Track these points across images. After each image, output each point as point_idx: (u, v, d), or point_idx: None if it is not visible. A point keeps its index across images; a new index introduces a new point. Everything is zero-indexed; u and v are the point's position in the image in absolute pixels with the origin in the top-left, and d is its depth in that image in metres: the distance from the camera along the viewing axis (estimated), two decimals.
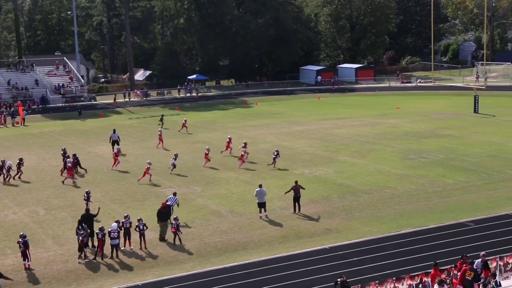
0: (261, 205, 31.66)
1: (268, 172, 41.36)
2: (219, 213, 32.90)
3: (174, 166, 41.52)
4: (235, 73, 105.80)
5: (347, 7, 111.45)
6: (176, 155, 42.16)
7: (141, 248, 27.78)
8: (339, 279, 19.48)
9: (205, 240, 28.90)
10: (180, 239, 28.37)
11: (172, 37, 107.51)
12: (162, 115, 64.60)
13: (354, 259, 25.38)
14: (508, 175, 38.38)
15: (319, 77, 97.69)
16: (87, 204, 32.42)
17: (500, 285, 20.36)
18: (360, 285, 19.76)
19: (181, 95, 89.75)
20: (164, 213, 29.34)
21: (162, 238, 28.90)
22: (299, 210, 32.57)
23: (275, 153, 42.64)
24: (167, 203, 30.41)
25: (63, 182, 39.76)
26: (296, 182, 32.92)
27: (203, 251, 27.56)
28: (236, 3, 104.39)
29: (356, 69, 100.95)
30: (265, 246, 27.83)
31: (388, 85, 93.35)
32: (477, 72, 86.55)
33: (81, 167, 42.61)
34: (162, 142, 51.54)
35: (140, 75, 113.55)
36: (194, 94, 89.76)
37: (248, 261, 25.89)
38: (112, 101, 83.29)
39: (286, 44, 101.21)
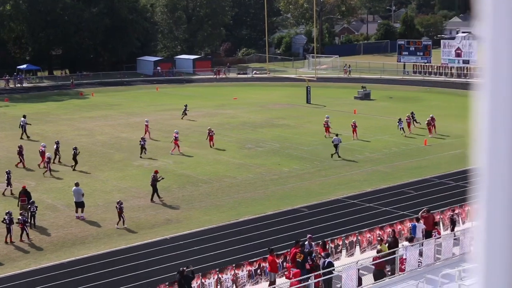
0: (78, 204, 30.10)
1: (106, 164, 40.53)
2: (55, 207, 31.74)
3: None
4: (70, 63, 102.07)
5: None
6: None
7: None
8: (181, 268, 19.57)
9: (40, 235, 27.78)
10: (28, 234, 27.25)
11: None
12: (186, 105, 58.90)
13: (195, 248, 25.65)
14: (338, 162, 40.58)
15: (158, 68, 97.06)
16: None
17: (331, 265, 21.46)
18: (201, 274, 20.00)
19: (11, 86, 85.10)
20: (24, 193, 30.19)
21: None
22: (152, 199, 32.54)
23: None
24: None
25: None
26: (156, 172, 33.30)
27: (38, 247, 26.49)
28: None
29: (194, 60, 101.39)
30: (104, 239, 27.30)
31: (225, 76, 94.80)
32: (345, 65, 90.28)
33: None
34: (149, 132, 48.30)
35: None
36: (26, 85, 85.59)
37: (87, 255, 25.29)
38: None
39: (122, 34, 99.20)
